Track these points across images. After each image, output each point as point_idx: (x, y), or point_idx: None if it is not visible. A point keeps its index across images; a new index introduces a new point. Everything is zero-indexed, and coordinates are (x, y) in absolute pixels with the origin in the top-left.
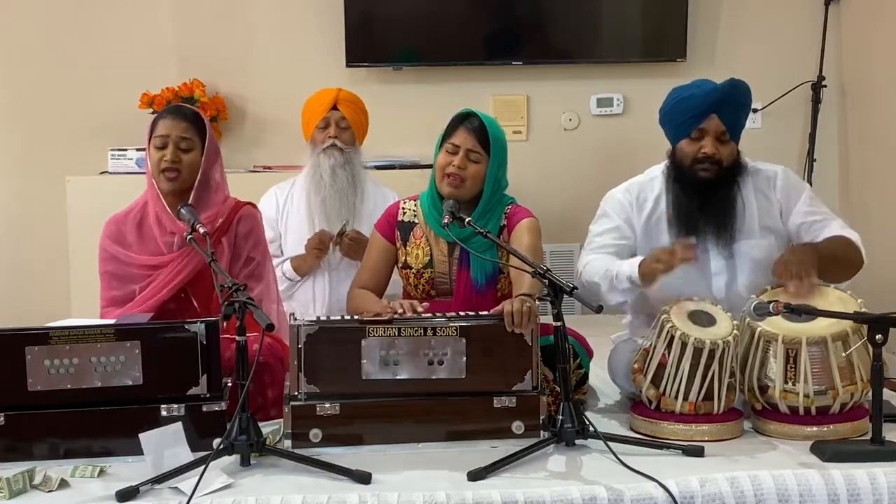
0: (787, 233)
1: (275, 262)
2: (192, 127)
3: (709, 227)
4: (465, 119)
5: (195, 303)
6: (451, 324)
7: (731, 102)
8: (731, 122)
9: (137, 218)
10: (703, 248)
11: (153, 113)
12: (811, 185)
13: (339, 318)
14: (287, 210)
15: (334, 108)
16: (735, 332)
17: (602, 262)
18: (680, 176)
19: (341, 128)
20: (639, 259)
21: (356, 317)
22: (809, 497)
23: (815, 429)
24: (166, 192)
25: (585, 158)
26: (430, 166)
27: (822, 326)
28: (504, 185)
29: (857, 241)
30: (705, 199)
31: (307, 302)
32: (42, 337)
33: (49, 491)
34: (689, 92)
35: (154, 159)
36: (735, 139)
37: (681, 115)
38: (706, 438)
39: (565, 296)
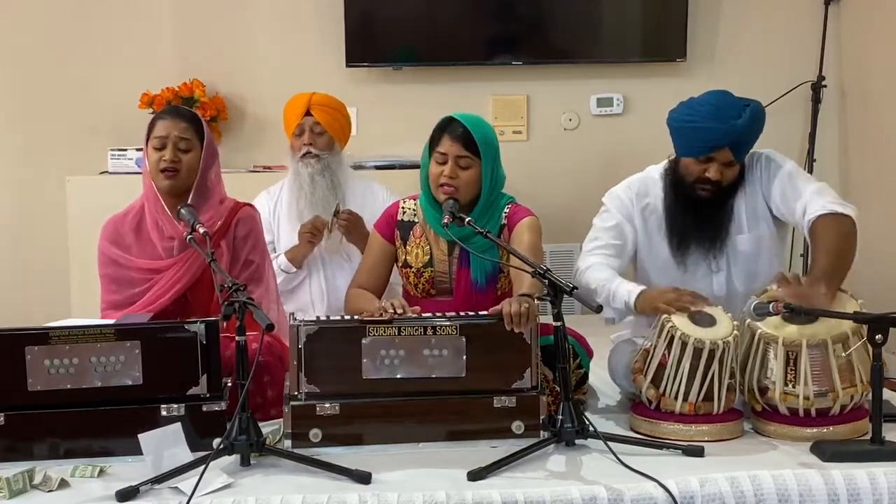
0: (772, 211)
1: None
2: (190, 127)
3: (704, 236)
4: (446, 127)
5: (194, 307)
6: (451, 323)
7: (746, 136)
8: (741, 152)
9: (135, 221)
10: (697, 254)
11: (153, 113)
12: None
13: (339, 318)
14: (278, 213)
15: (308, 113)
16: (735, 332)
17: (602, 272)
18: (678, 186)
19: (316, 133)
20: (639, 288)
21: (356, 317)
22: (809, 497)
23: (814, 430)
24: (164, 191)
25: (585, 158)
26: None
27: (822, 328)
28: (502, 180)
29: (830, 208)
30: (701, 214)
31: (306, 304)
32: (42, 337)
33: (49, 491)
34: (705, 123)
35: (153, 160)
36: (741, 160)
37: (692, 140)
38: (706, 438)
39: (565, 296)
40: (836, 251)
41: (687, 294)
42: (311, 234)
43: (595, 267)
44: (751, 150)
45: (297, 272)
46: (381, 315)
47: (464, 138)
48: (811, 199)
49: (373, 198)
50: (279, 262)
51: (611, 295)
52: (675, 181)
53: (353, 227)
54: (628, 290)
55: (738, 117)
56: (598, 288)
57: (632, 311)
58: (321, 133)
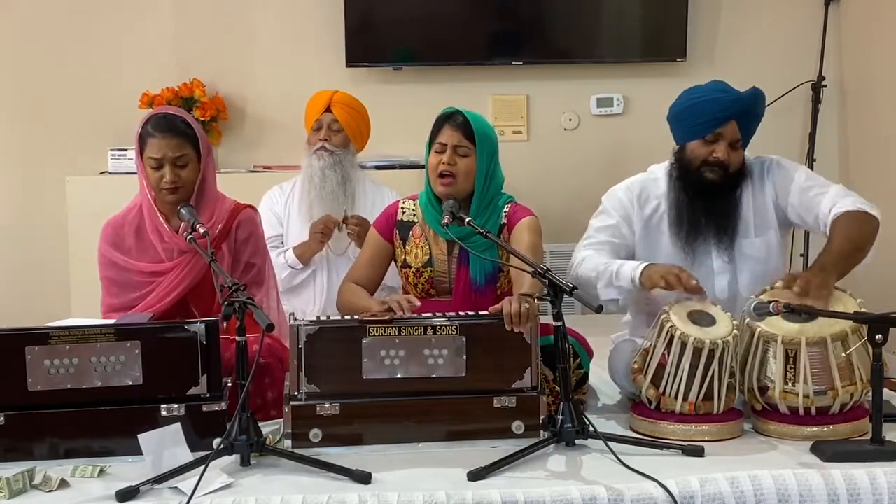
0: (784, 216)
1: (276, 252)
2: (183, 141)
3: (710, 229)
4: (448, 117)
5: (195, 311)
6: (451, 323)
7: (751, 112)
8: (747, 131)
9: (135, 223)
10: (705, 248)
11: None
12: None
13: (339, 318)
14: (289, 208)
15: (328, 110)
16: (735, 331)
17: (599, 258)
18: (685, 176)
19: (333, 130)
20: (643, 264)
21: (356, 317)
22: (809, 497)
23: (814, 429)
24: (168, 203)
25: (585, 158)
26: None
27: (821, 327)
28: (499, 179)
29: (860, 206)
30: (708, 201)
31: (307, 301)
32: (42, 337)
33: (49, 491)
34: (711, 95)
35: (153, 177)
36: (744, 148)
37: (699, 117)
38: (706, 438)
39: (565, 296)
40: (850, 245)
41: (688, 275)
42: (323, 233)
43: (591, 257)
44: (759, 156)
45: (303, 269)
46: (391, 314)
47: (464, 128)
48: (839, 197)
49: (382, 203)
50: (286, 256)
51: (614, 274)
52: (681, 169)
53: (363, 231)
54: (633, 266)
55: (741, 93)
56: (597, 274)
57: (637, 287)
58: (338, 130)
